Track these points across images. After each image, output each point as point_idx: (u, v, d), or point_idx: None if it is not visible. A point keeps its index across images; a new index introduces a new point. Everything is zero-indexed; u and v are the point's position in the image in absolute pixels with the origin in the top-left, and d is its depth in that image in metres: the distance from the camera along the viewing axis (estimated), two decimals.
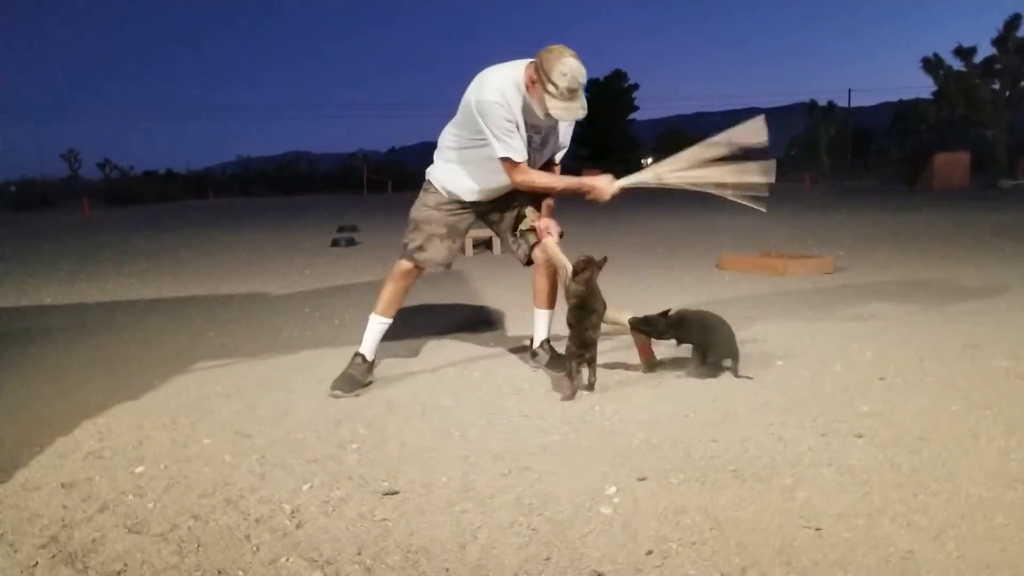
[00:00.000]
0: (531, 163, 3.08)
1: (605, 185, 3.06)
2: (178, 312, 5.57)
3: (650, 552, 1.76)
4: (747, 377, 3.14)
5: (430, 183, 3.26)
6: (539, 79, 2.83)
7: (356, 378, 3.15)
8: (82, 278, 7.79)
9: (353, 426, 2.74)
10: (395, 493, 2.13)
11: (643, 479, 2.17)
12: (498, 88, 2.91)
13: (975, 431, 2.48)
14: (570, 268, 3.09)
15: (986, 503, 1.96)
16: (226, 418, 2.88)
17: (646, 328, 3.22)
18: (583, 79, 2.81)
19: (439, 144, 3.26)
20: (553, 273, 3.30)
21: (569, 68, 2.79)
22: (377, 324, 3.25)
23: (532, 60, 2.90)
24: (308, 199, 39.10)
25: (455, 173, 3.19)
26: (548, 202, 3.26)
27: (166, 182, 57.36)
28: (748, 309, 4.73)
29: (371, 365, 3.24)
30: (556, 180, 3.12)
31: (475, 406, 2.93)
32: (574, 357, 2.99)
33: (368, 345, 3.24)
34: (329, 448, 2.52)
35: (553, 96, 2.81)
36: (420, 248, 3.21)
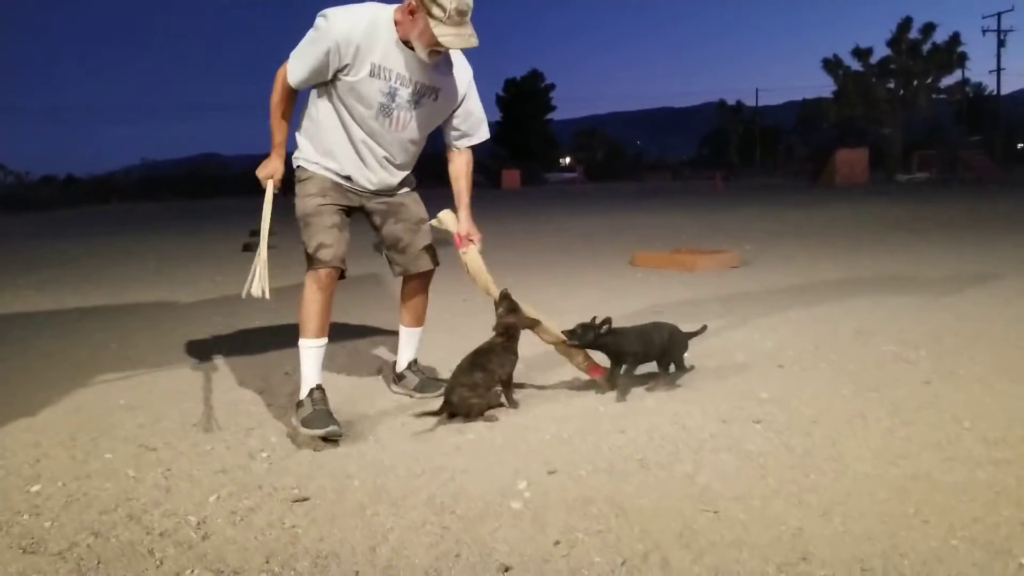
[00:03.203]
0: (397, 125, 2.75)
1: (271, 167, 2.79)
2: (79, 324, 5.32)
3: (557, 543, 1.81)
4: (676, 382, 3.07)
5: (302, 168, 2.82)
6: (420, 4, 2.47)
7: (327, 411, 2.62)
8: None
9: (264, 435, 2.70)
10: (305, 500, 2.11)
11: (553, 472, 2.22)
12: (352, 18, 2.58)
13: (863, 413, 2.64)
14: (494, 289, 2.92)
15: (870, 480, 2.10)
16: (129, 432, 2.79)
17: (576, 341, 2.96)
18: (472, 1, 2.48)
19: (300, 123, 2.87)
20: (426, 287, 3.10)
21: None
22: (311, 349, 2.73)
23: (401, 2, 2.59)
24: (220, 202, 37.86)
25: (320, 142, 2.79)
26: (465, 203, 2.92)
27: (66, 187, 54.51)
28: (658, 304, 4.88)
29: (323, 391, 2.72)
30: (276, 113, 2.75)
31: (391, 409, 2.93)
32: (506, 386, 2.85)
33: (312, 376, 2.73)
34: (238, 458, 2.47)
35: (441, 21, 2.44)
36: (322, 246, 2.70)
